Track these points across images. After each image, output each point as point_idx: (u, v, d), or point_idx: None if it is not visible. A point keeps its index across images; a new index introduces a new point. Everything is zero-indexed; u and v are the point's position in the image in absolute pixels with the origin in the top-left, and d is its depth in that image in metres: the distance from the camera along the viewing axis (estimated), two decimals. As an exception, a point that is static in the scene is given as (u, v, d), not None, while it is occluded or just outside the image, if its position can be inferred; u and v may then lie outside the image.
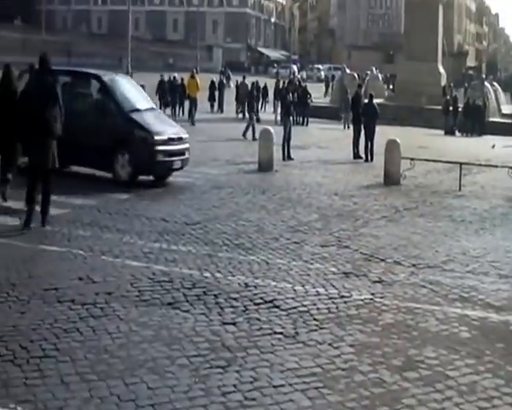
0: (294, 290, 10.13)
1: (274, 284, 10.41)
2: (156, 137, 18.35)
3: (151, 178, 19.02)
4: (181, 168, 19.41)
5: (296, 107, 37.15)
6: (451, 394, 7.15)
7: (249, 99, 36.18)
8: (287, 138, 25.42)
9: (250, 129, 31.71)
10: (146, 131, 18.34)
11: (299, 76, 73.90)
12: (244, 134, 32.05)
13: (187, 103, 40.91)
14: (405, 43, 56.40)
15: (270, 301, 9.59)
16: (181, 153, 19.14)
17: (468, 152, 30.29)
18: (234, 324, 8.70)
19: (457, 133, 45.07)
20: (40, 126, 12.84)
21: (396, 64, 76.22)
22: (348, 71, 60.29)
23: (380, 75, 63.86)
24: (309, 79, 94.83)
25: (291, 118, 28.29)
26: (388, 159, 21.17)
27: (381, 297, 10.08)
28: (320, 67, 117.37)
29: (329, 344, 8.23)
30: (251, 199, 17.47)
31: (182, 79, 43.99)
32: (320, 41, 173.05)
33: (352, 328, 8.80)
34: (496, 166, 23.60)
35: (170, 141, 18.78)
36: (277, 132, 24.13)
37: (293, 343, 8.21)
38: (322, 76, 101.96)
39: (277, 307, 9.41)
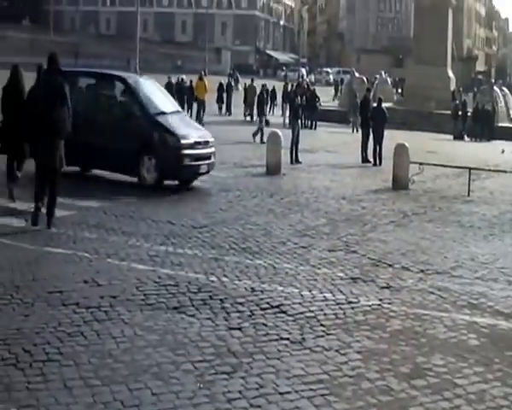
0: (301, 295, 10.04)
1: (281, 288, 10.32)
2: (183, 141, 17.98)
3: (176, 182, 18.74)
4: (207, 172, 19.08)
5: (304, 110, 37.20)
6: (460, 402, 7.05)
7: (259, 102, 36.11)
8: (295, 142, 25.35)
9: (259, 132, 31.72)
10: (172, 135, 18.00)
11: (307, 79, 73.91)
12: (254, 135, 31.99)
13: (195, 105, 40.87)
14: (415, 48, 56.24)
15: (277, 307, 9.50)
16: (207, 157, 18.75)
17: (477, 157, 30.20)
18: (240, 329, 8.61)
19: (466, 138, 45.00)
20: (47, 127, 12.77)
21: (405, 68, 76.05)
22: (357, 74, 60.22)
23: (389, 79, 63.87)
24: (317, 82, 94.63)
25: (299, 121, 28.25)
26: (397, 163, 21.08)
27: (389, 303, 9.99)
28: (329, 70, 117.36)
29: (336, 351, 8.13)
30: (258, 202, 17.38)
31: (190, 81, 43.93)
32: (329, 44, 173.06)
33: (359, 334, 8.70)
34: (505, 172, 23.53)
35: (196, 145, 18.38)
36: (285, 136, 24.05)
37: (299, 349, 8.12)
38: (331, 79, 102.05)
39: (284, 312, 9.32)
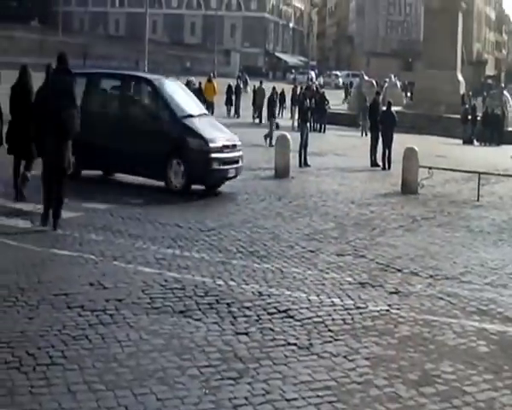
0: (309, 300, 9.95)
1: (288, 293, 10.23)
2: (211, 145, 17.66)
3: (203, 187, 18.48)
4: (235, 177, 18.77)
5: (313, 113, 37.08)
6: (469, 410, 6.97)
7: (269, 105, 36.01)
8: (303, 145, 25.28)
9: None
10: (200, 139, 17.67)
11: (316, 82, 73.86)
12: (266, 137, 31.91)
13: (203, 107, 40.81)
14: (424, 51, 56.16)
15: (284, 311, 9.41)
16: (235, 161, 18.44)
17: (486, 162, 30.10)
18: (246, 334, 8.53)
19: (476, 142, 44.92)
20: (56, 127, 12.72)
21: (415, 72, 76.00)
22: (366, 78, 60.13)
23: (398, 83, 63.85)
24: (326, 85, 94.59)
25: (308, 124, 28.15)
26: (406, 167, 20.96)
27: (398, 309, 9.89)
28: (338, 73, 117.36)
29: (344, 357, 8.05)
30: (266, 206, 17.30)
31: (199, 83, 43.92)
32: (339, 47, 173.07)
33: (367, 340, 8.61)
34: (514, 177, 23.40)
35: (224, 148, 18.06)
36: (294, 139, 23.95)
37: (306, 355, 8.02)
38: (340, 83, 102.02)
39: (291, 317, 9.23)
